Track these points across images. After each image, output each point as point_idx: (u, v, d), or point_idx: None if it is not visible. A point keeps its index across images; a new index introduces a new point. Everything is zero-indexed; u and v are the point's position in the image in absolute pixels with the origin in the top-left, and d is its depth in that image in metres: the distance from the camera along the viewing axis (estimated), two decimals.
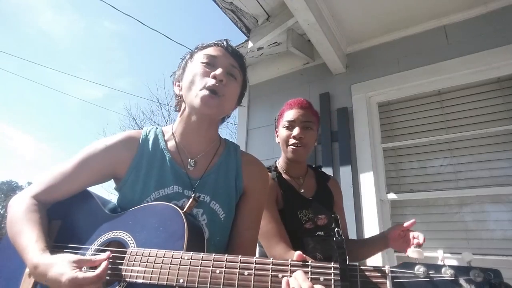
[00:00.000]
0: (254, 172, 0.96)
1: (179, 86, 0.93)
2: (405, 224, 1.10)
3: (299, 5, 1.72)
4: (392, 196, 1.89)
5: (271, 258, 0.57)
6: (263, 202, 0.99)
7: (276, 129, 1.36)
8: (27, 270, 0.74)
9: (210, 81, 0.84)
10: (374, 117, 2.09)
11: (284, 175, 1.28)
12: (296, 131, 1.23)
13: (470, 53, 1.83)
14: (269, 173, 1.20)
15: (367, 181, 1.90)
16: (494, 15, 1.84)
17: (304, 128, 1.24)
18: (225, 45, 0.92)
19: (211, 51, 0.90)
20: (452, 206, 1.77)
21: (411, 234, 1.08)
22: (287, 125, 1.26)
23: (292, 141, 1.23)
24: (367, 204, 1.85)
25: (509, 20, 1.79)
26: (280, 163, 1.34)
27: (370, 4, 1.94)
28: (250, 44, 2.30)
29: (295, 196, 1.22)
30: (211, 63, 0.88)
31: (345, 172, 1.98)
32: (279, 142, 1.33)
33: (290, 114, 1.27)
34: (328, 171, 1.52)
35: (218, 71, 0.85)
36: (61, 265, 0.64)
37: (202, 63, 0.87)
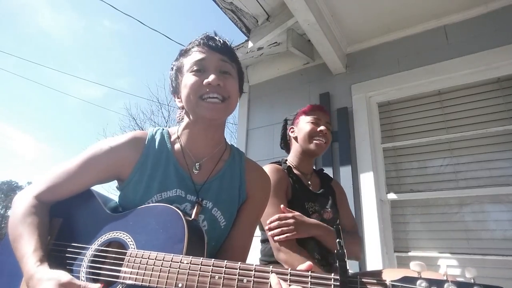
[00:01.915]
0: (256, 179, 0.96)
1: (179, 98, 0.90)
2: None
3: (299, 5, 1.72)
4: (392, 196, 1.89)
5: (271, 266, 0.57)
6: (261, 209, 0.99)
7: (293, 125, 1.41)
8: None
9: (208, 90, 0.81)
10: (374, 117, 2.09)
11: (293, 170, 1.33)
12: (322, 127, 1.32)
13: (470, 53, 1.82)
14: (279, 166, 1.27)
15: (367, 181, 1.90)
16: (494, 15, 1.84)
17: (328, 129, 1.34)
18: (207, 41, 0.86)
19: (197, 55, 0.85)
20: (452, 206, 1.77)
21: None
22: (313, 120, 1.34)
23: (319, 135, 1.31)
24: (367, 204, 1.86)
25: (509, 20, 1.79)
26: (290, 159, 1.39)
27: (370, 4, 1.93)
28: (250, 44, 2.29)
29: (303, 188, 1.28)
30: (201, 69, 0.84)
31: (345, 172, 1.98)
32: (295, 137, 1.37)
33: (316, 113, 1.36)
34: (328, 171, 1.53)
35: (211, 77, 0.81)
36: (48, 284, 0.63)
37: (192, 71, 0.84)
